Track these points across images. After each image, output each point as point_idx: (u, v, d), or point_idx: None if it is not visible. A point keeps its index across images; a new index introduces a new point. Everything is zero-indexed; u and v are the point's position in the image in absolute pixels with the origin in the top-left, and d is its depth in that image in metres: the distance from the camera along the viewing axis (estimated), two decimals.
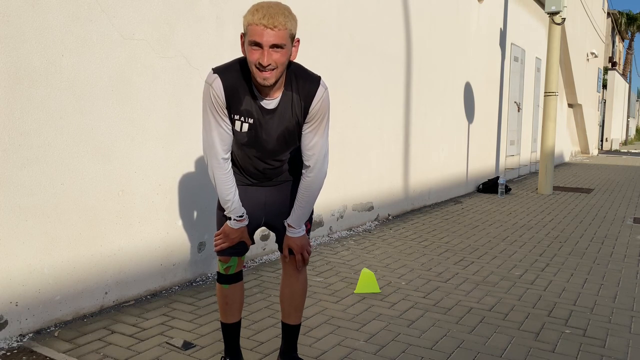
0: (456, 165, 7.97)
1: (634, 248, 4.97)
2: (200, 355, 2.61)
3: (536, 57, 11.83)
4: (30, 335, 2.79)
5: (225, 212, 2.16)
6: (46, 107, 2.80)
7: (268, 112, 2.00)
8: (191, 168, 3.65)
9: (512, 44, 10.04)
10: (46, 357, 2.56)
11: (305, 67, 2.10)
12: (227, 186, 2.10)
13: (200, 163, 3.72)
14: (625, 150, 26.02)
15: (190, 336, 2.83)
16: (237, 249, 2.25)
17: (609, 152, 23.99)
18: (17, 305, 2.75)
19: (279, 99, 1.99)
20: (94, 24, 3.00)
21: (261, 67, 1.83)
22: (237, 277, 2.32)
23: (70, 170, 2.94)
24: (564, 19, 8.35)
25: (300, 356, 2.55)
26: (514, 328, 3.02)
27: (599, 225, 6.06)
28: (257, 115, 2.00)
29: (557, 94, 8.44)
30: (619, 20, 36.57)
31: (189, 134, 3.61)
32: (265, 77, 1.85)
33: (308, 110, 2.02)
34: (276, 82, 1.89)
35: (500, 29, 9.38)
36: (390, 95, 6.04)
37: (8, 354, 2.59)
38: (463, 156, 8.21)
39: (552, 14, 8.28)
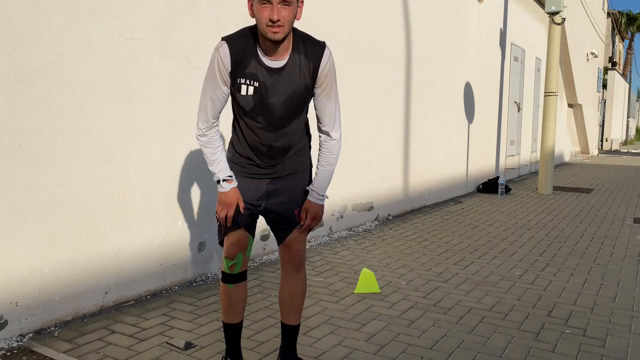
0: (456, 165, 7.97)
1: (634, 248, 4.97)
2: (200, 355, 2.61)
3: (536, 57, 11.83)
4: (30, 335, 2.79)
5: (214, 177, 2.21)
6: (46, 107, 2.80)
7: (275, 72, 2.04)
8: (191, 168, 3.65)
9: (512, 44, 10.04)
10: (46, 357, 2.56)
11: None
12: (213, 145, 2.18)
13: (201, 163, 3.72)
14: (625, 150, 26.02)
15: (190, 336, 2.84)
16: (239, 237, 2.25)
17: (609, 152, 23.99)
18: (17, 305, 2.75)
19: (286, 59, 2.05)
20: (94, 24, 3.00)
21: (271, 23, 1.91)
22: (241, 277, 2.32)
23: (70, 170, 2.94)
24: (564, 19, 8.35)
25: (300, 356, 2.55)
26: (514, 328, 3.02)
27: (599, 225, 6.06)
28: (262, 78, 2.04)
29: (557, 94, 8.44)
30: (619, 20, 36.56)
31: (189, 134, 3.61)
32: (275, 32, 1.92)
33: (317, 71, 2.09)
34: (284, 39, 1.97)
35: (500, 29, 9.38)
36: (391, 95, 6.04)
37: (8, 354, 2.59)
38: (463, 156, 8.21)
39: (552, 14, 8.28)
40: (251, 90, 2.05)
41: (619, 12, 37.33)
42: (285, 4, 1.91)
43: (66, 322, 2.97)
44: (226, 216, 2.20)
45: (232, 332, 2.38)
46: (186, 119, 3.58)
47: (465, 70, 8.02)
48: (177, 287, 3.59)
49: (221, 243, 2.32)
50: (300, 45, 2.07)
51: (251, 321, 3.04)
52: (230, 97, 2.18)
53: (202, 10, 3.65)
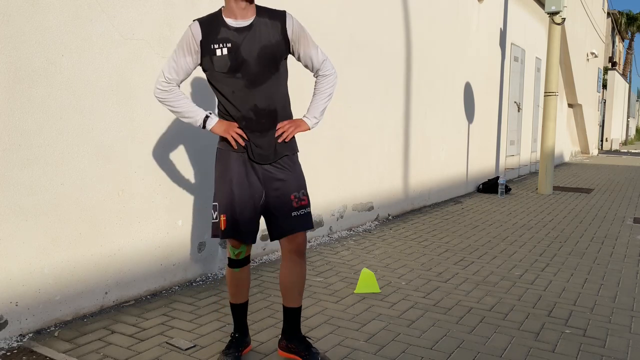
0: (456, 165, 7.97)
1: (634, 248, 4.97)
2: (200, 355, 2.61)
3: (536, 57, 11.83)
4: (30, 335, 2.79)
5: (195, 124, 2.37)
6: (46, 107, 2.80)
7: (242, 31, 2.28)
8: (191, 168, 3.65)
9: (512, 44, 10.04)
10: (46, 357, 2.56)
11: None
12: (175, 96, 2.38)
13: (200, 163, 3.72)
14: (625, 150, 26.02)
15: (190, 336, 2.84)
16: (245, 232, 2.39)
17: (609, 152, 23.99)
18: (17, 305, 2.75)
19: (252, 19, 2.30)
20: (94, 24, 3.00)
21: None
22: (246, 261, 2.51)
23: (70, 170, 2.94)
24: (564, 19, 8.35)
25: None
26: (514, 328, 3.02)
27: (599, 225, 6.06)
28: (233, 38, 2.27)
29: (557, 94, 8.44)
30: (619, 20, 36.56)
31: (189, 134, 3.61)
32: None
33: (285, 28, 2.34)
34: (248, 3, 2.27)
35: (500, 29, 9.38)
36: (391, 95, 6.04)
37: (8, 354, 2.59)
38: (463, 156, 8.21)
39: (552, 14, 8.28)
40: (225, 50, 2.27)
41: (619, 12, 37.33)
42: None
43: (66, 322, 2.97)
44: (234, 136, 2.33)
45: (240, 311, 2.60)
46: None
47: (465, 70, 8.02)
48: (177, 287, 3.59)
49: (213, 236, 2.44)
50: (263, 12, 2.34)
51: (251, 321, 3.04)
52: (212, 86, 2.36)
53: (202, 10, 3.65)
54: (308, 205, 2.45)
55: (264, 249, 4.35)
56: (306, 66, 2.48)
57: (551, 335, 2.93)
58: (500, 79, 9.60)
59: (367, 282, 3.58)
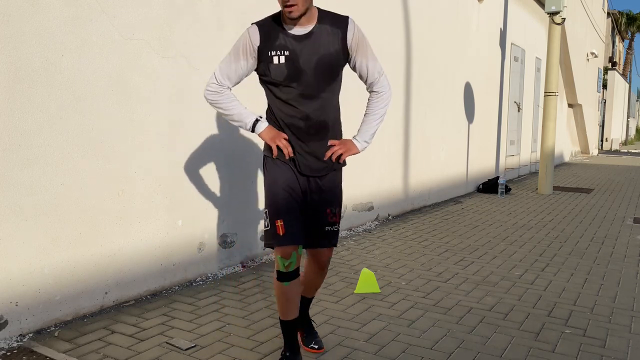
0: (456, 165, 7.97)
1: (634, 248, 4.97)
2: (200, 355, 2.61)
3: (536, 57, 11.83)
4: (30, 335, 2.79)
5: (245, 127, 2.32)
6: (46, 107, 2.80)
7: (302, 39, 2.21)
8: (191, 168, 3.65)
9: (512, 44, 10.04)
10: (46, 357, 2.56)
11: None
12: (226, 98, 2.32)
13: (200, 163, 3.72)
14: (625, 150, 26.02)
15: (190, 336, 2.84)
16: (292, 233, 2.30)
17: (609, 152, 23.98)
18: (17, 305, 2.75)
19: (312, 27, 2.22)
20: (94, 24, 3.00)
21: (285, 3, 2.11)
22: (295, 274, 2.36)
23: (70, 170, 2.94)
24: (564, 19, 8.34)
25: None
26: (514, 328, 3.02)
27: (599, 225, 6.06)
28: (291, 46, 2.20)
29: (557, 94, 8.44)
30: (619, 20, 36.55)
31: (189, 134, 3.61)
32: (290, 11, 2.11)
33: (346, 38, 2.24)
34: (303, 15, 2.16)
35: (500, 29, 9.38)
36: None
37: (8, 354, 2.59)
38: (463, 156, 8.21)
39: (552, 14, 8.28)
40: (282, 59, 2.20)
41: (619, 12, 37.32)
42: None
43: (66, 322, 2.97)
44: (280, 146, 2.30)
45: (291, 328, 2.43)
46: (186, 119, 3.58)
47: (465, 70, 8.02)
48: (177, 287, 3.59)
49: (267, 246, 2.38)
50: (324, 17, 2.25)
51: (251, 321, 3.04)
52: (265, 88, 2.32)
53: (202, 10, 3.65)
54: (339, 222, 2.45)
55: (264, 249, 4.35)
56: (360, 77, 2.39)
57: (551, 335, 2.93)
58: (500, 79, 9.60)
59: (367, 282, 3.57)
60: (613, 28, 32.55)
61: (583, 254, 4.70)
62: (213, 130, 3.79)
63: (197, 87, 3.65)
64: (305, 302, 2.69)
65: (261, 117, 2.34)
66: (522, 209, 7.09)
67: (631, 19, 38.61)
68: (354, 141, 2.40)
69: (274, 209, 2.29)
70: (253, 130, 2.32)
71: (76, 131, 2.95)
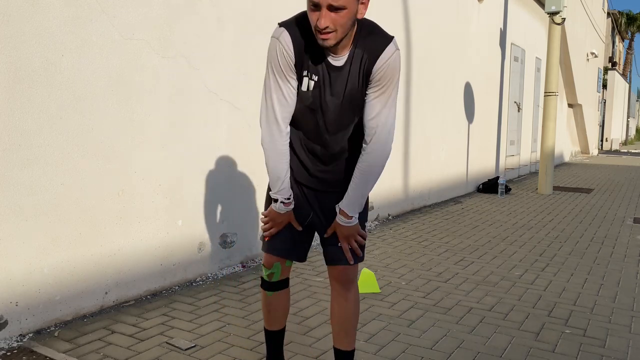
0: (456, 165, 7.97)
1: (634, 248, 4.97)
2: (200, 355, 2.61)
3: (536, 57, 11.83)
4: (30, 335, 2.79)
5: (272, 193, 1.98)
6: (46, 107, 2.80)
7: (335, 69, 1.83)
8: (191, 168, 3.65)
9: (512, 44, 10.04)
10: (46, 357, 2.56)
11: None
12: (281, 159, 1.92)
13: (200, 163, 3.72)
14: (625, 150, 26.01)
15: (190, 336, 2.84)
16: (283, 248, 2.06)
17: (609, 152, 23.98)
18: (17, 305, 2.75)
19: (346, 56, 1.83)
20: (94, 24, 3.00)
21: (320, 29, 1.68)
22: (281, 285, 2.15)
23: (70, 170, 2.94)
24: (564, 19, 8.34)
25: (300, 356, 2.54)
26: (514, 328, 3.02)
27: (599, 225, 6.06)
28: (322, 72, 1.83)
29: (557, 94, 8.44)
30: (619, 20, 36.55)
31: (189, 134, 3.61)
32: (324, 39, 1.70)
33: (373, 66, 1.82)
34: (339, 42, 1.75)
35: (500, 29, 9.38)
36: None
37: (8, 354, 2.59)
38: (463, 156, 8.21)
39: (552, 14, 8.28)
40: (312, 84, 1.84)
41: (619, 12, 37.32)
42: (337, 10, 1.66)
43: (66, 322, 2.97)
44: (269, 231, 2.05)
45: (273, 339, 2.25)
46: (186, 119, 3.58)
47: (465, 70, 8.02)
48: (177, 287, 3.59)
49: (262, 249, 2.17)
50: (363, 38, 1.84)
51: (251, 321, 3.04)
52: None
53: (202, 10, 3.65)
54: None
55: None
56: (365, 116, 1.90)
57: (551, 335, 2.93)
58: (500, 79, 9.60)
59: (367, 282, 3.57)
60: (613, 28, 32.54)
61: (583, 254, 4.70)
62: (213, 130, 3.79)
63: (197, 87, 3.64)
64: (339, 358, 2.19)
65: (289, 200, 1.99)
66: (522, 209, 7.09)
67: (631, 19, 38.62)
68: (344, 223, 1.98)
69: (267, 205, 2.09)
70: (275, 201, 1.99)
71: (76, 131, 2.95)
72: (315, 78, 1.83)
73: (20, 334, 2.77)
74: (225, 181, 3.92)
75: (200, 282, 3.71)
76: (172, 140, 3.50)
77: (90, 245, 3.06)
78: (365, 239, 2.07)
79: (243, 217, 4.10)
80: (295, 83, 1.85)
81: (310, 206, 2.07)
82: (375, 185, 6.23)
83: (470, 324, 3.07)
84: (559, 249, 4.86)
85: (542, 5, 11.13)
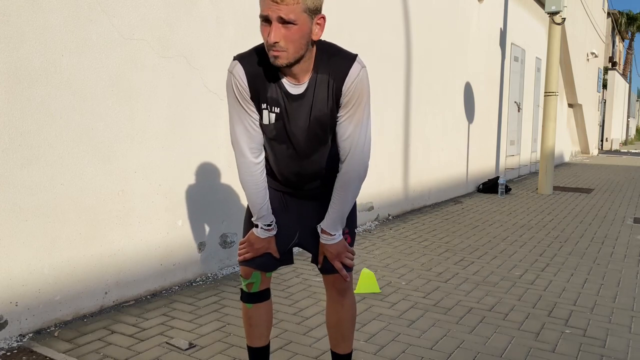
0: (456, 165, 7.97)
1: (634, 248, 4.97)
2: (200, 355, 2.61)
3: (536, 57, 11.83)
4: (30, 335, 2.79)
5: (252, 219, 1.94)
6: (46, 107, 2.80)
7: (295, 98, 1.74)
8: (191, 168, 3.65)
9: (512, 44, 10.04)
10: (46, 357, 2.56)
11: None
12: (255, 189, 1.88)
13: (200, 163, 3.72)
14: (625, 150, 26.01)
15: (190, 336, 2.84)
16: (262, 262, 1.99)
17: (609, 152, 23.98)
18: (17, 305, 2.75)
19: (306, 83, 1.73)
20: (94, 24, 3.00)
21: (271, 45, 1.60)
22: (262, 296, 2.05)
23: (70, 170, 2.94)
24: (564, 19, 8.34)
25: (300, 356, 2.55)
26: (514, 328, 3.02)
27: (599, 225, 6.06)
28: (283, 102, 1.75)
29: (557, 94, 8.44)
30: (619, 20, 36.55)
31: (189, 134, 3.61)
32: (275, 55, 1.61)
33: (340, 91, 1.73)
34: (295, 63, 1.65)
35: (500, 29, 9.38)
36: (390, 95, 6.04)
37: (8, 354, 2.59)
38: (463, 156, 8.21)
39: (552, 14, 8.28)
40: (273, 117, 1.77)
41: (619, 12, 37.32)
42: (288, 24, 1.58)
43: (66, 322, 2.97)
44: (243, 256, 1.98)
45: (255, 357, 2.11)
46: (186, 119, 3.58)
47: (465, 70, 8.02)
48: (177, 287, 3.59)
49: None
50: (323, 61, 1.73)
51: None
52: None
53: (202, 10, 3.65)
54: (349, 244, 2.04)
55: None
56: (338, 137, 1.83)
57: (551, 335, 2.93)
58: (500, 79, 9.60)
59: (367, 282, 3.57)
60: (613, 28, 32.54)
61: (583, 254, 4.70)
62: (213, 130, 3.79)
63: (197, 87, 3.64)
64: None
65: (269, 226, 1.95)
66: (522, 209, 7.09)
67: (631, 19, 38.61)
68: (327, 241, 1.94)
69: (246, 227, 2.03)
70: (256, 227, 1.95)
71: (76, 131, 2.95)
72: (277, 110, 1.76)
73: (20, 334, 2.77)
74: (225, 181, 3.92)
75: (200, 282, 3.71)
76: (172, 140, 3.50)
77: (90, 245, 3.06)
78: (353, 254, 2.02)
79: (243, 217, 4.10)
80: (256, 115, 1.79)
81: (295, 222, 2.01)
82: (375, 186, 6.20)
83: (470, 324, 3.07)
84: (559, 249, 4.86)
85: (542, 5, 11.13)
